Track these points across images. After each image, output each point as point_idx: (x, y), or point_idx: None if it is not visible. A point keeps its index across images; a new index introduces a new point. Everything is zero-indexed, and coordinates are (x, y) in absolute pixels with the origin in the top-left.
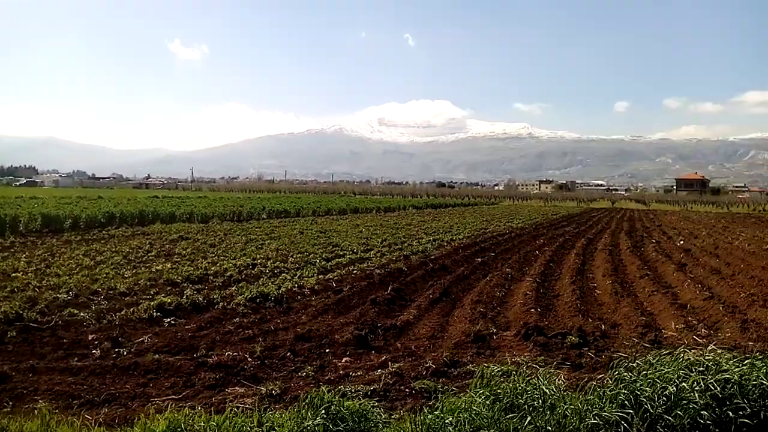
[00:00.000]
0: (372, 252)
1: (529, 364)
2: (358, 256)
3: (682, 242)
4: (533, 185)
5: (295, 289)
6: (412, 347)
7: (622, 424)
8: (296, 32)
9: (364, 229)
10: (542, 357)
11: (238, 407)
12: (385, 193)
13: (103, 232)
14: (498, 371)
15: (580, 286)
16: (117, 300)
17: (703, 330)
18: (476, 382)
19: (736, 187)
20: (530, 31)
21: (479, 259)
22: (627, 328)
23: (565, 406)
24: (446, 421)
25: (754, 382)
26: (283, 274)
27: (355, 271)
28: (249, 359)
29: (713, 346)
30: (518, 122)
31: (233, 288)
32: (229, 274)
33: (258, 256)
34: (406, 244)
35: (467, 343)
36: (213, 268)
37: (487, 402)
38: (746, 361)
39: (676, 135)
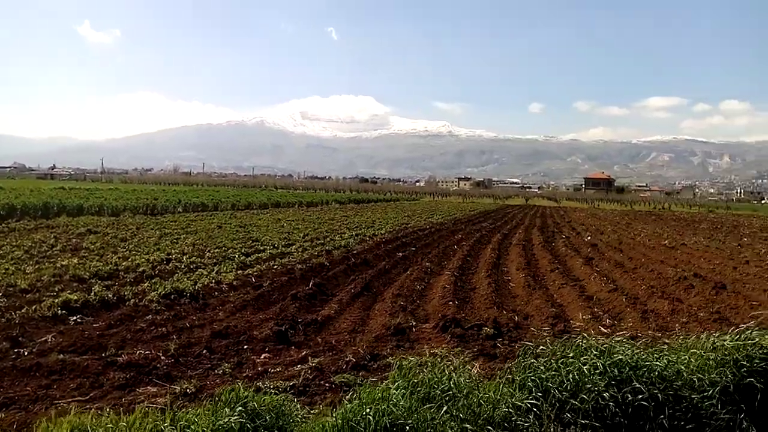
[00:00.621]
0: (293, 247)
1: (447, 355)
2: (279, 251)
3: (589, 238)
4: (453, 182)
5: (213, 284)
6: (333, 342)
7: (533, 410)
8: (215, 19)
9: (286, 224)
10: (459, 348)
11: (149, 407)
12: (307, 188)
13: (3, 225)
14: (416, 363)
15: (495, 279)
16: (17, 297)
17: (607, 320)
18: (394, 374)
19: (639, 186)
20: (452, 31)
21: (400, 254)
22: (538, 319)
23: (480, 395)
24: (365, 413)
25: (648, 365)
26: (199, 270)
27: (275, 266)
28: (162, 358)
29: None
30: (439, 120)
31: (146, 284)
32: (141, 269)
33: (173, 251)
34: (328, 239)
35: (387, 336)
36: (124, 264)
37: (405, 393)
38: (640, 347)
39: (585, 136)
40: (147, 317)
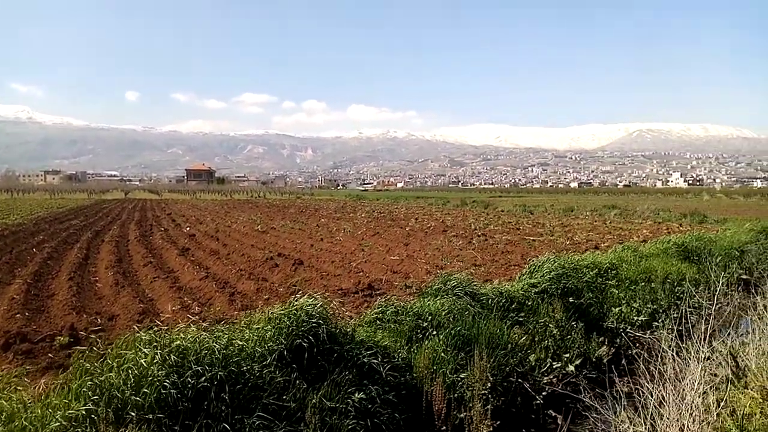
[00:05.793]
0: None
1: (4, 378)
2: None
3: (188, 228)
4: (38, 176)
5: None
6: None
7: (90, 417)
8: None
9: None
10: (25, 366)
11: None
12: None
13: None
14: None
15: (79, 282)
16: None
17: (196, 307)
18: None
19: (238, 177)
20: None
21: None
22: (125, 318)
23: (27, 416)
24: None
25: (208, 346)
26: None
27: None
28: None
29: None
30: (16, 104)
31: None
32: None
33: None
34: None
35: None
36: None
37: None
38: (203, 330)
39: (185, 128)
40: None
